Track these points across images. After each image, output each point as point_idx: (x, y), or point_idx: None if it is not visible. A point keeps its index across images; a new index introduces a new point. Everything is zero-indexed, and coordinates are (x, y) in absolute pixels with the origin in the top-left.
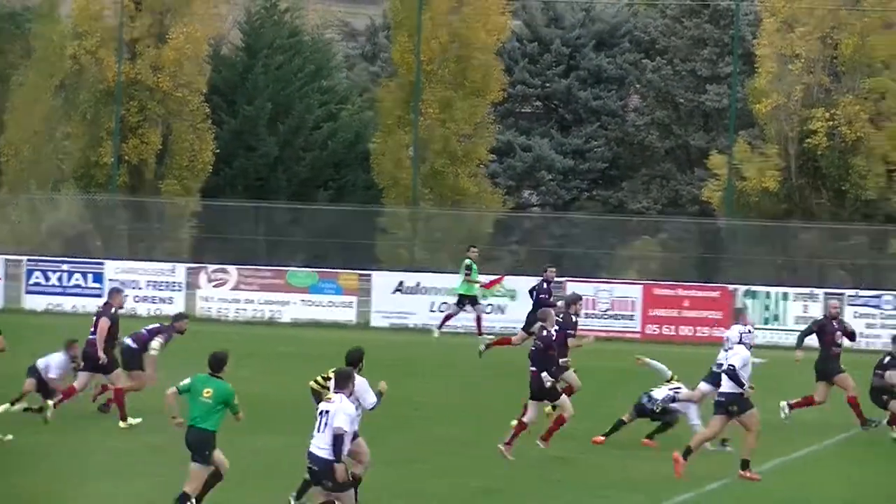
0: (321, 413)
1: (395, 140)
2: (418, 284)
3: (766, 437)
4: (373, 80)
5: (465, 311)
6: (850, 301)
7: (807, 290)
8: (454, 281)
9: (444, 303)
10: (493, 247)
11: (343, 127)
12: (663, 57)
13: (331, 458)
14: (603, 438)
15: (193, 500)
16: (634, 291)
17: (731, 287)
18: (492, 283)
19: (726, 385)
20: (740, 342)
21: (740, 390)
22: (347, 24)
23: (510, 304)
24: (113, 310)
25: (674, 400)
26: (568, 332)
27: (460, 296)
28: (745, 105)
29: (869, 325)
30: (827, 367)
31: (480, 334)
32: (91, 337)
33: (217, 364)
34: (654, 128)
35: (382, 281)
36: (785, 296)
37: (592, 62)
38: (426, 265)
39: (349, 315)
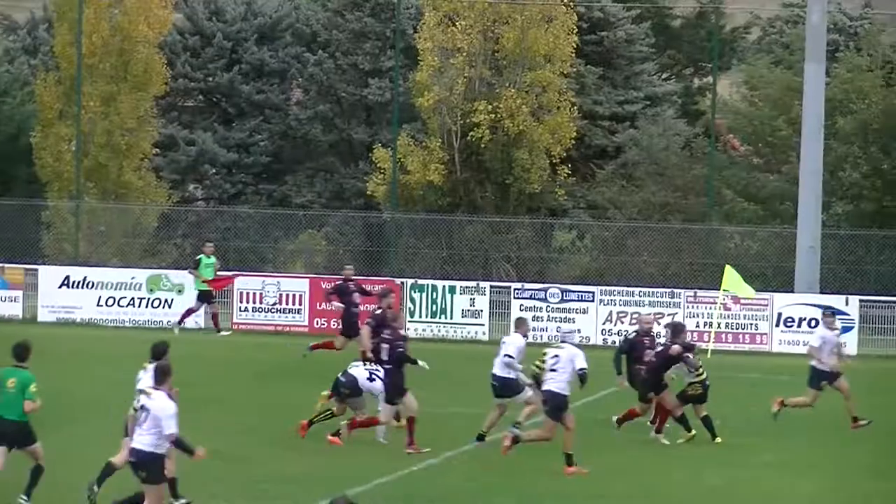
0: (142, 408)
1: (57, 134)
2: (85, 279)
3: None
4: (33, 74)
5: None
6: (516, 294)
7: (472, 284)
8: (119, 275)
9: (111, 297)
10: (158, 241)
11: (4, 120)
12: (325, 50)
13: (153, 450)
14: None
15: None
16: (302, 285)
17: (398, 280)
18: (218, 282)
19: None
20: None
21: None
22: (8, 18)
23: (177, 298)
24: None
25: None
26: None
27: (199, 291)
28: (407, 99)
29: (536, 318)
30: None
31: (218, 330)
32: None
33: (21, 354)
34: (318, 121)
35: (48, 275)
36: (451, 289)
37: (255, 56)
38: (91, 259)
39: (15, 310)
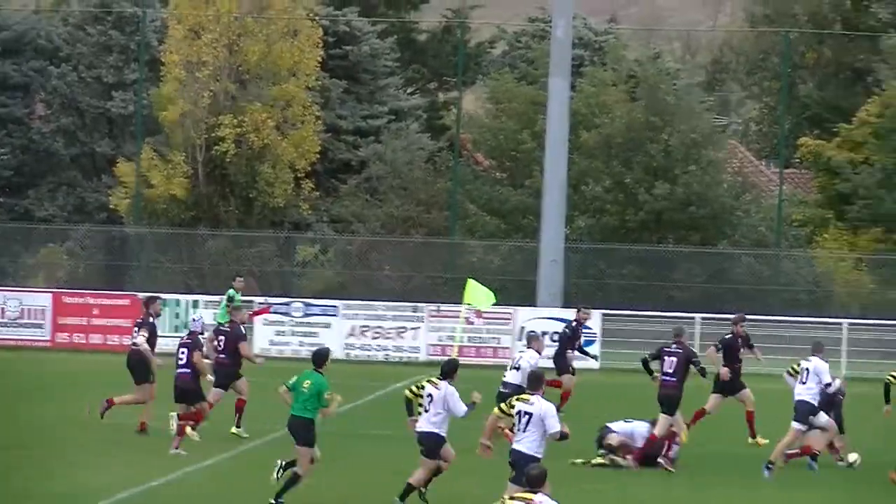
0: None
1: None
2: None
3: None
4: None
5: None
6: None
7: (216, 298)
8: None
9: None
10: None
11: None
12: (69, 63)
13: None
14: None
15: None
16: (44, 300)
17: (141, 295)
18: (256, 313)
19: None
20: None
21: None
22: None
23: None
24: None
25: None
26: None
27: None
28: (151, 112)
29: (279, 333)
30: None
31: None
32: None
33: (319, 359)
34: (60, 135)
35: None
36: (195, 304)
37: None
38: None
39: None
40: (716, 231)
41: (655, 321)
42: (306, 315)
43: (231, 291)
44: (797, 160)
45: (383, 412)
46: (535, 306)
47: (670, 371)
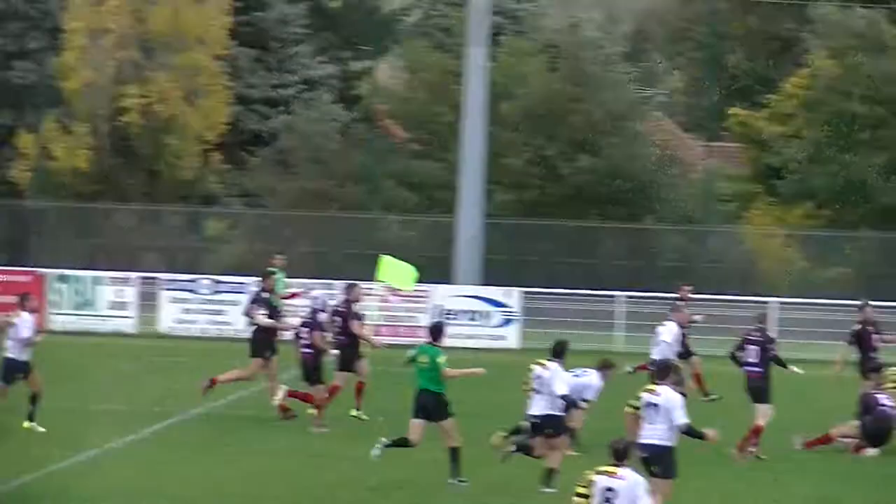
0: (648, 405)
1: None
2: None
3: None
4: None
5: None
6: (165, 286)
7: (121, 275)
8: None
9: None
10: None
11: None
12: None
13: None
14: None
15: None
16: None
17: (41, 271)
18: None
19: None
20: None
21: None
22: None
23: None
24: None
25: None
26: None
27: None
28: (54, 82)
29: (186, 311)
30: None
31: None
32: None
33: (435, 332)
34: None
35: None
36: (98, 280)
37: None
38: None
39: None
40: (640, 206)
41: (578, 299)
42: (215, 292)
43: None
44: (725, 132)
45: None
46: (453, 283)
47: (755, 360)
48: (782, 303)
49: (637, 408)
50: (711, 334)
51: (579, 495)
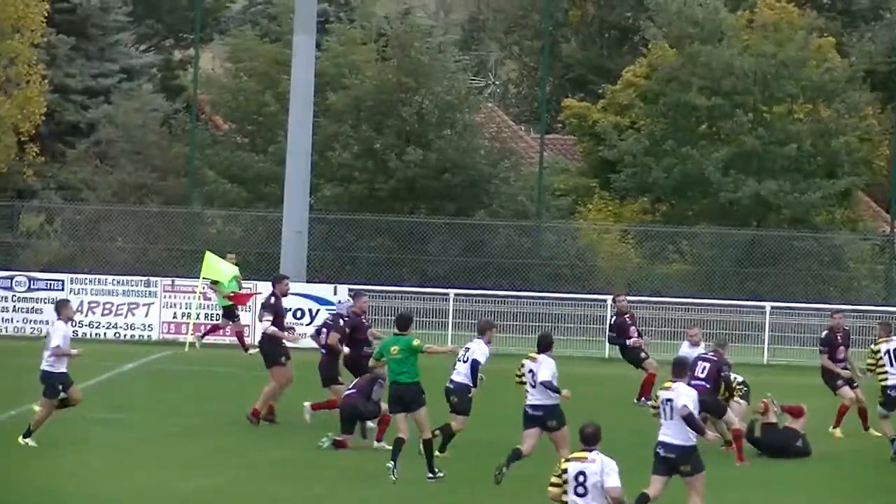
0: (665, 402)
1: None
2: None
3: None
4: None
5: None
6: None
7: None
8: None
9: None
10: None
11: None
12: None
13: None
14: None
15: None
16: None
17: None
18: (243, 297)
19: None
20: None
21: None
22: None
23: None
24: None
25: None
26: None
27: (223, 308)
28: None
29: (2, 309)
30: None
31: (246, 349)
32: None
33: (402, 323)
34: None
35: None
36: None
37: None
38: None
39: None
40: (472, 200)
41: (408, 297)
42: (30, 290)
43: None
44: (560, 125)
45: (113, 395)
46: None
47: (702, 376)
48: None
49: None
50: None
51: (553, 485)
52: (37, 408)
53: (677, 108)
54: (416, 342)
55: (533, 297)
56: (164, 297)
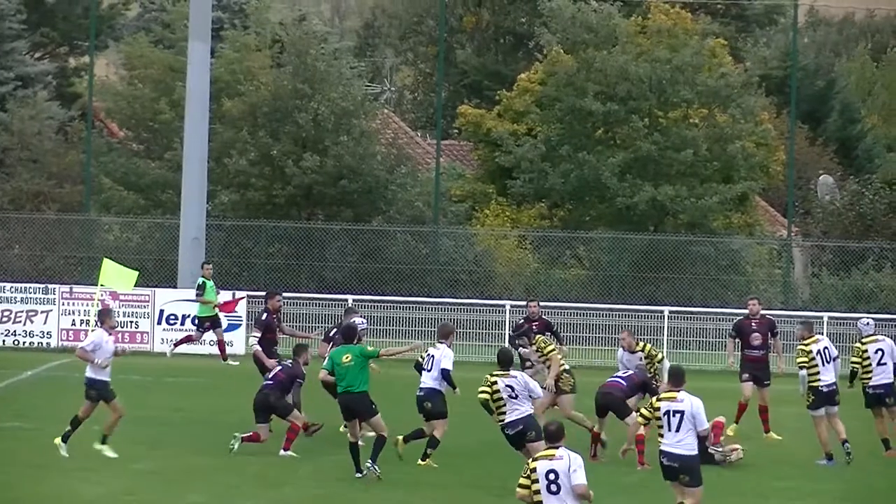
0: (670, 413)
1: None
2: None
3: None
4: None
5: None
6: None
7: None
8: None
9: None
10: None
11: None
12: None
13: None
14: None
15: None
16: None
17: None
18: (229, 304)
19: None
20: None
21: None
22: None
23: None
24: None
25: None
26: None
27: (199, 318)
28: None
29: None
30: None
31: (224, 358)
32: None
33: (349, 334)
34: None
35: None
36: None
37: None
38: None
39: None
40: (370, 207)
41: (306, 303)
42: None
43: (201, 279)
44: (456, 130)
45: (13, 403)
46: (176, 287)
47: (623, 376)
48: (514, 305)
49: (650, 418)
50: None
51: (522, 486)
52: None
53: (573, 113)
54: (370, 348)
55: (431, 303)
56: (63, 304)
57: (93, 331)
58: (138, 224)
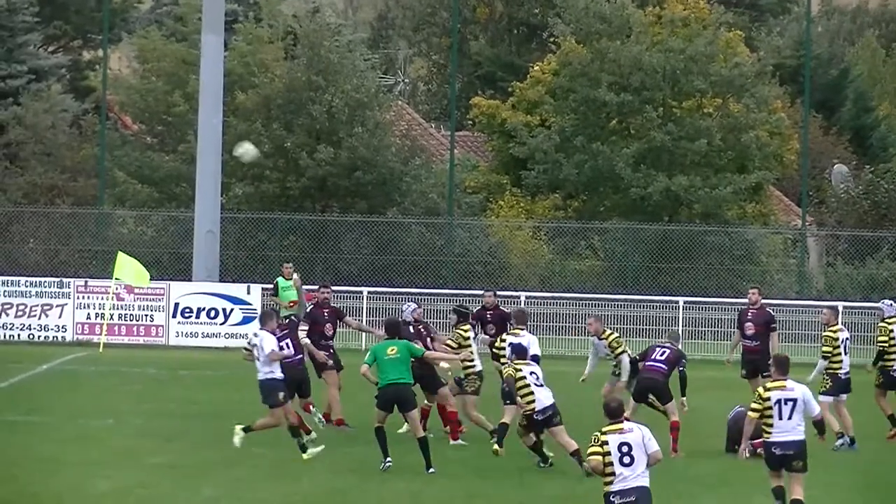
0: (783, 402)
1: None
2: None
3: None
4: None
5: None
6: None
7: None
8: None
9: None
10: None
11: None
12: None
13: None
14: None
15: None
16: None
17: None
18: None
19: None
20: None
21: None
22: None
23: None
24: None
25: None
26: None
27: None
28: None
29: None
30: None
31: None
32: None
33: (393, 329)
34: None
35: None
36: None
37: None
38: None
39: None
40: (384, 198)
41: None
42: None
43: (279, 280)
44: (470, 122)
45: (29, 397)
46: (191, 280)
47: (661, 359)
48: (529, 297)
49: (761, 409)
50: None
51: (594, 454)
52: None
53: (587, 104)
54: (417, 346)
55: (446, 295)
56: (78, 297)
57: (259, 335)
58: (153, 217)
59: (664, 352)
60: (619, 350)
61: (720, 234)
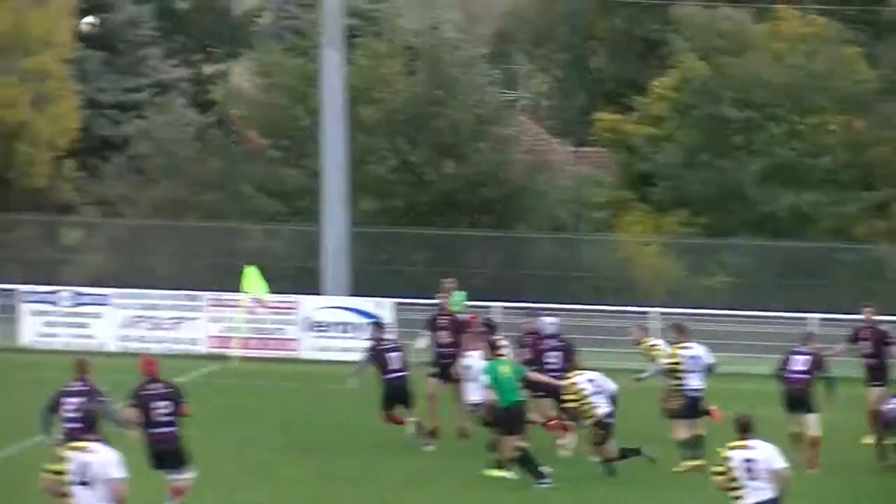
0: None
1: None
2: None
3: None
4: None
5: None
6: (24, 298)
7: None
8: None
9: None
10: None
11: None
12: None
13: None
14: None
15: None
16: None
17: None
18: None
19: None
20: None
21: None
22: None
23: None
24: None
25: None
26: None
27: None
28: None
29: (48, 324)
30: None
31: None
32: None
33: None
34: None
35: None
36: None
37: None
38: None
39: None
40: (511, 213)
41: None
42: (76, 304)
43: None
44: (593, 137)
45: None
46: (320, 294)
47: (804, 368)
48: (663, 312)
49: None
50: (593, 346)
51: (717, 473)
52: None
53: (710, 120)
54: (522, 367)
55: (576, 310)
56: (210, 310)
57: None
58: (281, 231)
59: (803, 359)
60: (653, 357)
61: (849, 251)
